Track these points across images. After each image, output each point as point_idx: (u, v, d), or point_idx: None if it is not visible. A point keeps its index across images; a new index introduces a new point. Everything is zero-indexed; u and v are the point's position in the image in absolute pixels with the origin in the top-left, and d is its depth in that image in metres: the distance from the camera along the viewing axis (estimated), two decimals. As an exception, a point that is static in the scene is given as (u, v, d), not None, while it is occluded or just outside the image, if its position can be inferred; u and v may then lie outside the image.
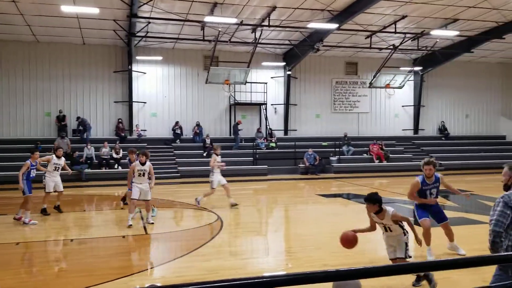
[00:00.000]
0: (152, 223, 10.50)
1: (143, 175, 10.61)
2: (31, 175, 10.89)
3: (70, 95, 23.50)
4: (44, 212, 11.72)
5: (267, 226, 11.78)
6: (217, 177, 12.78)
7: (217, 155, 13.05)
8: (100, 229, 10.30)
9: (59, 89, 23.30)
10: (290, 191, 18.05)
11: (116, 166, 20.77)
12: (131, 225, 10.15)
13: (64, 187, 12.46)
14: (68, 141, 21.36)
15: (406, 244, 5.99)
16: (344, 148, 25.30)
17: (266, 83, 26.15)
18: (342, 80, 27.99)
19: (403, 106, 28.96)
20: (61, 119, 22.67)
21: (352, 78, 28.19)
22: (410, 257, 6.01)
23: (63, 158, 12.44)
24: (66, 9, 16.52)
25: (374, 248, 7.91)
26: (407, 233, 6.02)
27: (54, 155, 12.11)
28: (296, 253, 8.28)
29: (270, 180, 21.00)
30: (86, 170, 20.33)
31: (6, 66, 22.45)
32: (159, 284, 6.36)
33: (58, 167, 12.12)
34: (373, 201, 5.91)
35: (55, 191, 12.09)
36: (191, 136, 24.75)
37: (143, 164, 10.67)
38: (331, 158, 24.33)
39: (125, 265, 7.75)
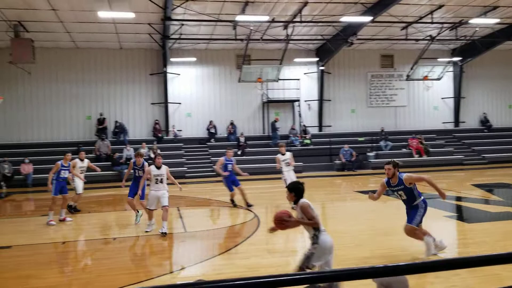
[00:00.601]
0: (165, 233, 9.20)
1: (161, 181, 9.55)
2: (61, 176, 11.23)
3: (109, 98, 24.14)
4: (74, 209, 12.41)
5: (304, 223, 11.71)
6: (289, 176, 12.40)
7: (283, 154, 12.73)
8: (140, 228, 10.52)
9: (98, 93, 23.98)
10: (327, 188, 17.91)
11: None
12: (148, 231, 9.62)
13: (105, 187, 12.90)
14: (108, 143, 21.97)
15: (309, 255, 5.35)
16: (382, 143, 24.88)
17: (299, 79, 26.03)
18: (377, 74, 27.52)
19: (442, 98, 28.17)
20: (101, 121, 23.32)
21: (388, 71, 27.66)
22: (308, 268, 5.25)
23: (86, 160, 12.75)
24: (103, 14, 16.95)
25: (416, 244, 7.75)
26: (317, 244, 5.35)
27: (78, 159, 12.48)
28: (335, 251, 8.18)
29: (305, 177, 20.82)
30: (126, 171, 20.79)
31: (48, 72, 23.28)
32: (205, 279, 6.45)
33: (83, 170, 12.53)
34: (290, 189, 5.60)
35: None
36: (225, 135, 24.94)
37: (159, 167, 9.61)
38: (368, 154, 23.98)
39: (166, 263, 7.91)
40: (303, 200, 5.45)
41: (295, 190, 5.55)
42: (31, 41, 18.87)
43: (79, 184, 12.38)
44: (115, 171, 20.74)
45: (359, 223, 10.58)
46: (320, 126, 26.73)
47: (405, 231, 7.19)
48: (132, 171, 11.08)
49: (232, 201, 12.64)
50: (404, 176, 7.20)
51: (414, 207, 7.19)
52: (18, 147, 22.09)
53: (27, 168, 20.08)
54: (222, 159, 12.67)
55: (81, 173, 12.42)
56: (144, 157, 20.92)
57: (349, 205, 13.70)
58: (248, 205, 12.39)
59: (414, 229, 7.10)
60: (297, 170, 22.01)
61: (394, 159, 7.44)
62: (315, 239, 5.36)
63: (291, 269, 7.02)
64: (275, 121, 24.73)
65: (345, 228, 9.93)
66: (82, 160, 12.51)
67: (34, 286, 6.51)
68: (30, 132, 23.28)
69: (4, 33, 19.28)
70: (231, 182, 12.56)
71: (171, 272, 7.14)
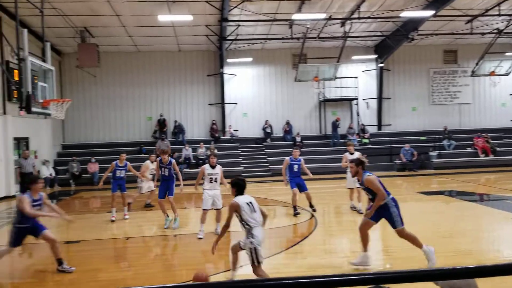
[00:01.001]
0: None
1: (215, 180, 9.31)
2: (117, 175, 11.70)
3: (168, 100, 24.87)
4: (149, 205, 13.23)
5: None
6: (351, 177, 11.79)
7: (351, 153, 11.64)
8: (199, 225, 10.70)
9: (158, 94, 24.78)
10: (387, 189, 17.41)
11: (212, 166, 21.55)
12: (201, 238, 9.24)
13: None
14: (168, 143, 22.62)
15: (250, 250, 5.69)
16: (445, 142, 23.87)
17: (357, 77, 25.54)
18: (440, 70, 26.45)
19: (511, 94, 26.60)
20: (161, 122, 24.07)
21: (452, 67, 26.51)
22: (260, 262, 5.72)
23: (155, 163, 13.14)
24: (163, 18, 17.47)
25: (480, 249, 7.36)
26: (253, 240, 5.70)
27: (148, 161, 13.11)
28: (395, 253, 7.96)
29: (364, 177, 20.42)
30: (185, 170, 21.36)
31: (112, 75, 24.36)
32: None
33: (153, 172, 12.94)
34: (232, 183, 5.98)
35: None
36: (281, 135, 24.93)
37: (213, 167, 9.35)
38: (431, 154, 23.09)
39: (226, 260, 8.01)
40: (236, 199, 5.78)
41: (235, 185, 5.93)
42: (96, 46, 19.84)
43: (145, 184, 12.99)
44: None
45: (422, 225, 10.18)
46: (379, 125, 26.08)
47: (399, 236, 7.04)
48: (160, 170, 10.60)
49: (294, 207, 11.80)
50: (365, 178, 7.05)
51: (384, 208, 7.00)
52: (85, 147, 23.29)
53: (93, 167, 21.09)
54: (287, 159, 11.95)
55: (150, 174, 12.98)
56: (202, 157, 21.63)
57: (411, 206, 13.22)
58: (312, 208, 11.81)
59: (403, 230, 6.96)
60: (355, 170, 21.72)
61: (361, 158, 7.14)
62: (249, 234, 5.76)
63: (349, 269, 6.89)
64: (336, 120, 24.38)
65: (407, 230, 9.59)
66: (152, 162, 12.99)
67: (102, 279, 6.82)
68: (96, 133, 24.48)
69: (72, 39, 20.40)
70: (297, 185, 11.74)
71: (229, 270, 7.21)
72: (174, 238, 9.51)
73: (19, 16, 10.30)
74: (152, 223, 11.48)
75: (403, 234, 6.89)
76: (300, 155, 12.37)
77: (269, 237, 9.65)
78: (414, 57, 26.20)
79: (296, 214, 11.49)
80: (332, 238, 9.24)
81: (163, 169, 10.41)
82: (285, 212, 12.50)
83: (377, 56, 25.61)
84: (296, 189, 11.71)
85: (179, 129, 24.10)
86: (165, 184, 10.42)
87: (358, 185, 10.13)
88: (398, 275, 2.07)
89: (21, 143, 18.36)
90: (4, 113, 16.79)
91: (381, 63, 25.49)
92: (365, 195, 7.62)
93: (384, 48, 24.84)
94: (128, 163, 12.29)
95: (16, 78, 15.04)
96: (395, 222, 6.87)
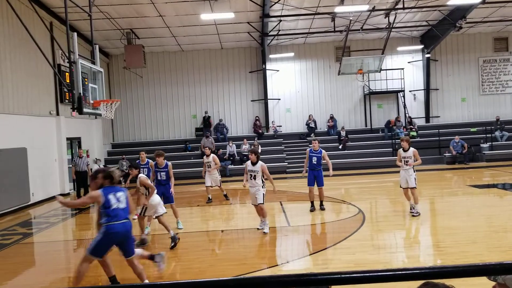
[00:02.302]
0: (264, 231, 9.22)
1: (254, 178, 9.24)
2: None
3: (212, 97, 25.19)
4: (225, 196, 13.87)
5: (411, 219, 11.20)
6: (404, 175, 10.79)
7: (405, 150, 10.84)
8: (246, 221, 10.83)
9: (202, 92, 25.14)
10: (436, 182, 16.92)
11: (256, 162, 21.65)
12: (266, 232, 9.26)
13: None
14: (212, 140, 22.94)
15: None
16: (497, 133, 22.87)
17: (402, 68, 24.89)
18: (491, 59, 25.32)
19: None
20: (206, 119, 24.42)
21: (503, 55, 25.32)
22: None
23: (211, 156, 13.64)
24: (205, 17, 17.68)
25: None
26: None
27: (205, 155, 13.67)
28: (447, 248, 7.74)
29: (412, 171, 19.91)
30: (230, 166, 21.60)
31: (157, 75, 24.94)
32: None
33: (209, 164, 13.44)
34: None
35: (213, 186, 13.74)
36: (326, 129, 24.70)
37: (254, 163, 9.27)
38: (482, 145, 22.19)
39: (272, 255, 8.06)
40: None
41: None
42: (142, 47, 20.36)
43: (207, 178, 13.59)
44: (220, 166, 21.58)
45: (474, 219, 9.86)
46: (427, 117, 25.33)
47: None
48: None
49: (311, 202, 11.64)
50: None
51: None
52: (133, 146, 23.99)
53: (141, 165, 21.67)
54: (308, 150, 11.75)
55: (208, 167, 13.54)
56: (246, 153, 21.76)
57: (462, 200, 12.81)
58: (321, 207, 11.52)
59: None
60: (402, 164, 21.22)
61: None
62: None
63: (399, 265, 6.76)
64: (391, 124, 23.73)
65: (458, 224, 9.32)
66: (208, 156, 13.58)
67: (151, 274, 7.01)
68: (143, 132, 25.16)
69: (119, 41, 21.02)
70: (313, 177, 11.45)
71: (276, 265, 7.26)
72: (221, 233, 9.63)
73: (69, 20, 10.71)
74: (198, 219, 11.70)
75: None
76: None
77: (315, 232, 9.65)
78: (462, 46, 25.23)
79: (311, 210, 11.42)
80: (381, 234, 9.08)
81: (159, 173, 9.88)
82: (332, 208, 12.40)
83: (423, 46, 24.84)
84: (311, 187, 11.53)
85: (223, 126, 24.40)
86: (161, 189, 9.65)
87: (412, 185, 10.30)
88: (453, 269, 2.01)
89: (73, 143, 19.14)
90: (58, 114, 17.55)
91: (428, 53, 24.71)
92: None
93: (430, 38, 24.06)
94: (214, 155, 13.53)
95: (68, 80, 15.72)
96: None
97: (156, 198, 8.63)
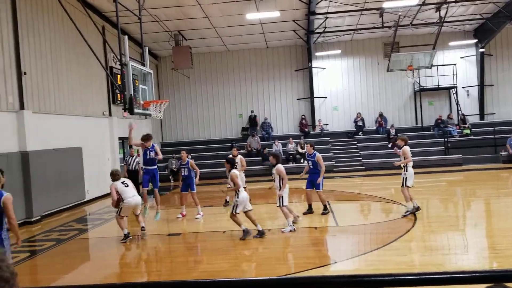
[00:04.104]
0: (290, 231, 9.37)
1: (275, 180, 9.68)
2: (182, 174, 12.06)
3: (257, 96, 25.29)
4: (225, 203, 13.30)
5: (465, 220, 10.80)
6: None
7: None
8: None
9: (248, 92, 25.29)
10: (491, 182, 16.21)
11: (302, 161, 21.51)
12: (294, 229, 9.46)
13: (255, 181, 13.55)
14: (258, 139, 23.04)
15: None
16: (558, 130, 21.60)
17: (455, 64, 23.97)
18: (550, 51, 23.94)
19: None
20: (252, 119, 24.56)
21: None
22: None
23: (238, 156, 13.24)
24: (251, 16, 17.76)
25: None
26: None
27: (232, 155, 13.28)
28: (504, 251, 7.39)
29: (465, 171, 19.18)
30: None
31: (204, 75, 25.33)
32: None
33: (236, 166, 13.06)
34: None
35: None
36: (374, 128, 24.20)
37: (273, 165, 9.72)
38: (542, 143, 21.03)
39: (319, 255, 7.99)
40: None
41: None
42: (189, 48, 20.72)
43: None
44: (265, 165, 21.64)
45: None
46: (482, 114, 24.28)
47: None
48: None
49: (310, 206, 11.25)
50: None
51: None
52: (181, 145, 24.44)
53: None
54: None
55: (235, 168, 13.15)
56: (292, 152, 21.71)
57: (520, 201, 12.19)
58: (324, 211, 11.03)
59: None
60: (456, 163, 20.52)
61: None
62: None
63: (452, 267, 6.52)
64: (438, 121, 23.03)
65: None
66: (235, 156, 13.19)
67: (203, 271, 7.14)
68: (191, 131, 25.62)
69: (167, 43, 21.51)
70: (310, 181, 11.07)
71: (324, 265, 7.18)
72: (267, 232, 9.65)
73: (120, 24, 11.06)
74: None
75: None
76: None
77: (364, 232, 9.48)
78: (519, 39, 24.01)
79: (306, 212, 11.10)
80: (433, 235, 8.79)
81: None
82: (381, 208, 12.15)
83: (476, 40, 23.82)
84: (307, 190, 11.23)
85: (268, 125, 24.45)
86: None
87: None
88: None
89: (125, 143, 19.76)
90: (110, 115, 18.19)
91: (482, 48, 23.66)
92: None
93: (484, 32, 23.03)
94: (241, 156, 13.32)
95: (119, 82, 16.25)
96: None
97: (244, 195, 9.12)
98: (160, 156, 11.39)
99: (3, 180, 6.01)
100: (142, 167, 12.45)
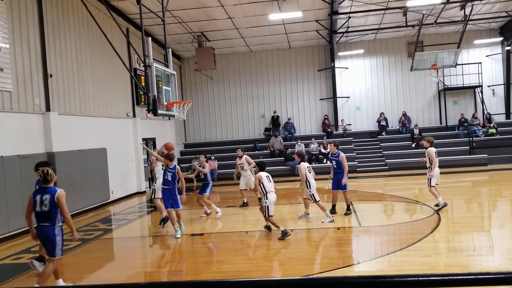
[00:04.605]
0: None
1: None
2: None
3: (280, 97, 25.29)
4: (243, 204, 13.27)
5: (490, 221, 10.59)
6: None
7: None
8: (315, 221, 10.74)
9: (270, 92, 25.32)
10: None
11: (324, 161, 21.42)
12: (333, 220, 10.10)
13: (279, 181, 13.54)
14: (280, 139, 23.04)
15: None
16: None
17: (480, 63, 23.52)
18: None
19: None
20: (275, 119, 24.57)
21: None
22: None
23: (244, 157, 13.14)
24: (273, 17, 17.78)
25: None
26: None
27: (238, 157, 13.25)
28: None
29: (491, 171, 18.80)
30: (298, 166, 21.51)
31: (227, 76, 25.48)
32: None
33: (242, 166, 13.05)
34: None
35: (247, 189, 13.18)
36: (398, 127, 23.92)
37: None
38: None
39: (343, 255, 7.95)
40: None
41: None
42: (212, 49, 20.88)
43: (241, 181, 13.19)
44: (287, 166, 21.64)
45: None
46: (508, 113, 23.75)
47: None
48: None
49: (333, 206, 11.18)
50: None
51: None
52: (205, 145, 24.70)
53: (213, 164, 22.21)
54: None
55: (242, 169, 13.08)
56: (314, 153, 21.63)
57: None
58: (346, 212, 10.92)
59: None
60: (481, 163, 20.12)
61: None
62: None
63: (477, 269, 6.42)
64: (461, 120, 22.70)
65: None
66: (240, 157, 13.16)
67: (225, 271, 7.20)
68: (214, 132, 25.80)
69: (190, 44, 21.73)
70: (336, 181, 11.03)
71: (347, 266, 7.16)
72: (290, 232, 9.66)
73: (144, 26, 11.23)
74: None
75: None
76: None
77: (387, 233, 9.40)
78: (549, 36, 23.37)
79: (331, 212, 10.92)
80: (458, 236, 8.65)
81: (167, 173, 9.76)
82: (405, 208, 12.02)
83: (502, 38, 23.30)
84: (334, 190, 11.19)
85: (291, 125, 24.43)
86: (168, 193, 9.76)
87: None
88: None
89: (148, 143, 20.04)
90: (134, 116, 18.47)
91: (508, 45, 23.14)
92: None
93: (511, 30, 22.50)
94: (246, 156, 13.06)
95: (143, 83, 16.49)
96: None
97: (272, 195, 9.40)
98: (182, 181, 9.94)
99: (56, 177, 6.40)
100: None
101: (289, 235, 8.93)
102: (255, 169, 11.34)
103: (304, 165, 10.38)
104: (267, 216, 9.21)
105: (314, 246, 8.70)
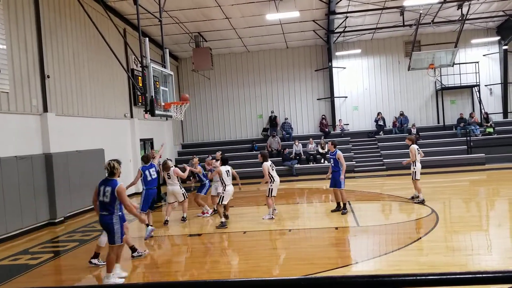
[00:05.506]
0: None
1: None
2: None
3: (277, 97, 25.30)
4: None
5: (488, 220, 10.61)
6: None
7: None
8: (313, 221, 10.76)
9: (268, 92, 25.33)
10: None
11: (322, 161, 21.45)
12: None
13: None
14: (278, 140, 23.05)
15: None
16: None
17: (477, 62, 23.58)
18: None
19: None
20: (272, 119, 24.58)
21: None
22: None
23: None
24: (271, 17, 17.78)
25: None
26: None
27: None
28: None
29: (488, 170, 18.85)
30: (296, 166, 21.57)
31: (224, 76, 25.48)
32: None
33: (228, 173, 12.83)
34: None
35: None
36: (395, 127, 23.96)
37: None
38: None
39: (341, 255, 7.96)
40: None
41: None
42: (209, 50, 20.86)
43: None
44: (285, 166, 21.64)
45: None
46: (505, 112, 23.83)
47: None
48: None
49: (338, 204, 11.25)
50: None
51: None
52: (202, 146, 24.69)
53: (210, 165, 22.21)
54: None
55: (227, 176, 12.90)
56: (312, 152, 21.64)
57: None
58: (339, 209, 11.09)
59: None
60: (478, 162, 20.16)
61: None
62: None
63: (475, 268, 6.43)
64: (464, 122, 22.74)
65: None
66: (218, 159, 12.72)
67: (223, 271, 7.19)
68: (211, 132, 25.79)
69: (187, 44, 21.71)
70: (333, 179, 11.13)
71: (346, 266, 7.16)
72: (288, 233, 9.67)
73: (141, 26, 11.22)
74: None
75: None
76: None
77: (385, 233, 9.41)
78: (545, 35, 23.45)
79: (335, 210, 11.18)
80: (456, 235, 8.67)
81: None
82: (402, 208, 12.03)
83: (499, 38, 23.38)
84: (334, 189, 11.27)
85: (288, 125, 24.44)
86: (152, 194, 10.60)
87: None
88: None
89: (146, 144, 20.01)
90: (132, 116, 18.44)
91: (505, 45, 23.20)
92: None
93: (508, 29, 22.56)
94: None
95: (140, 84, 16.45)
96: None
97: (230, 188, 10.69)
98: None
99: (120, 170, 6.81)
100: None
101: (226, 227, 10.19)
102: (219, 162, 11.93)
103: (267, 164, 10.89)
104: (219, 203, 10.41)
105: (312, 246, 8.70)
